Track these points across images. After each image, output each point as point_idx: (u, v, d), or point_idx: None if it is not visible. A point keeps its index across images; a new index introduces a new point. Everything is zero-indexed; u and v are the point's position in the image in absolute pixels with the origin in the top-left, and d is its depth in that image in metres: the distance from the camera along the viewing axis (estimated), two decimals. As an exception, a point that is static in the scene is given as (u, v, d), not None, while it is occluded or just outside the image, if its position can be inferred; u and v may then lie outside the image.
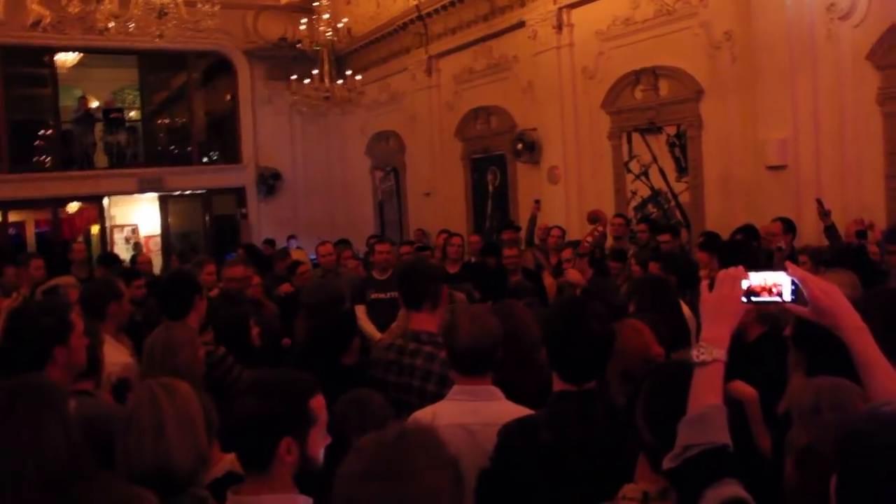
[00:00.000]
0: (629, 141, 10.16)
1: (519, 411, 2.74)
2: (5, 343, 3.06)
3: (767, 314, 3.65)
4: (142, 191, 16.33)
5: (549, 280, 7.64)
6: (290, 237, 14.99)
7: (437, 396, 3.11)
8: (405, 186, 15.36)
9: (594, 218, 8.47)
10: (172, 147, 18.21)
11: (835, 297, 1.88)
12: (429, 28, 13.59)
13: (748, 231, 7.29)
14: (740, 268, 1.97)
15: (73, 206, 17.12)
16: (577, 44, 10.78)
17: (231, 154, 17.08)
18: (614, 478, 2.09)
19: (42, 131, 16.55)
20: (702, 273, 5.44)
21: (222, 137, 17.71)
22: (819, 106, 7.80)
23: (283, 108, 15.88)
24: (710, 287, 1.96)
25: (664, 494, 1.94)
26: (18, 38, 13.88)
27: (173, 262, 13.44)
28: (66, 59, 16.50)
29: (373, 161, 16.42)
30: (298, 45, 13.12)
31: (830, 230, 6.82)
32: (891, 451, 1.32)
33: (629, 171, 10.20)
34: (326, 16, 12.33)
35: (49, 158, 16.44)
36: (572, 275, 6.58)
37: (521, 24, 11.50)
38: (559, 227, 9.20)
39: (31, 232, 17.53)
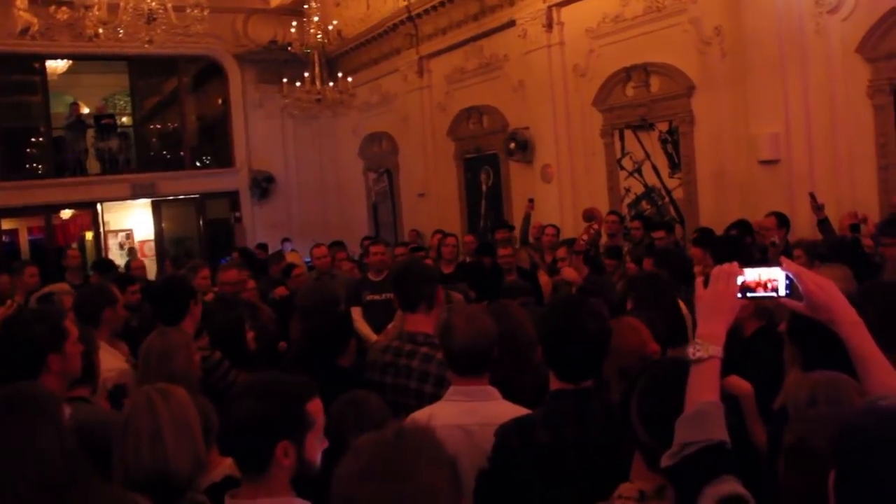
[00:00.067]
0: (621, 138, 10.17)
1: (516, 411, 2.74)
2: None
3: (764, 309, 3.66)
4: (135, 196, 16.30)
5: (544, 279, 7.63)
6: (285, 240, 14.98)
7: (435, 398, 3.10)
8: (399, 187, 15.36)
9: (589, 216, 8.48)
10: (165, 152, 18.20)
11: (830, 291, 1.88)
12: (419, 29, 13.59)
13: (742, 226, 7.30)
14: (735, 264, 1.97)
15: (66, 213, 17.08)
16: (567, 42, 10.79)
17: (224, 158, 17.06)
18: (612, 477, 2.09)
19: (33, 138, 16.52)
20: (696, 269, 5.44)
21: (214, 142, 17.70)
22: (810, 100, 7.82)
23: (274, 112, 15.86)
24: (705, 284, 1.96)
25: (660, 493, 1.94)
26: (7, 45, 13.86)
27: (167, 267, 13.41)
28: (56, 65, 16.46)
29: (366, 163, 16.42)
30: (289, 48, 13.11)
31: (824, 224, 6.83)
32: (889, 445, 1.32)
33: (622, 168, 10.22)
34: (316, 18, 12.34)
35: (41, 165, 16.41)
36: (568, 273, 6.58)
37: (512, 23, 11.50)
38: (553, 226, 9.21)
39: (24, 239, 17.48)
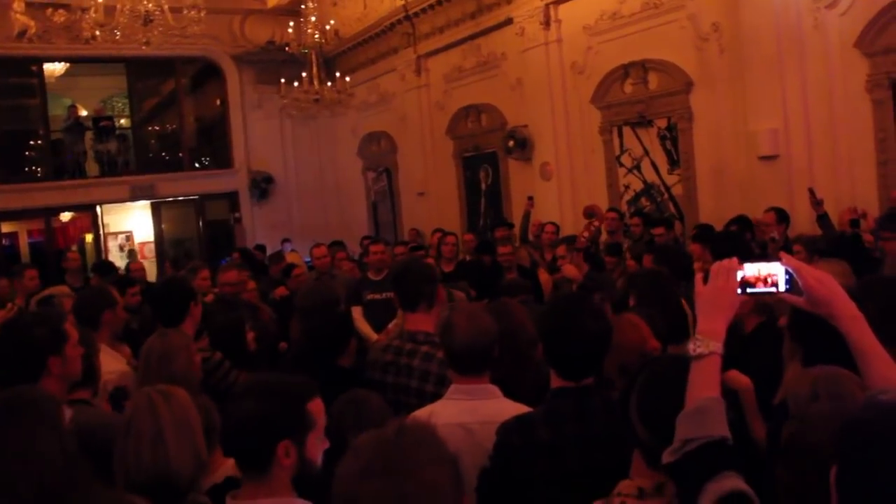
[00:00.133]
0: (620, 135, 10.17)
1: (517, 409, 2.74)
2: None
3: (764, 305, 3.66)
4: (134, 198, 16.29)
5: (544, 277, 7.63)
6: (285, 240, 14.98)
7: (436, 396, 3.10)
8: (398, 187, 15.36)
9: (590, 213, 8.47)
10: (163, 154, 18.18)
11: (830, 286, 1.88)
12: (416, 28, 13.59)
13: (742, 222, 7.30)
14: (734, 259, 1.96)
15: (66, 216, 17.08)
16: (565, 39, 10.78)
17: (222, 159, 17.05)
18: (613, 474, 2.09)
19: (32, 141, 16.52)
20: (696, 265, 5.44)
21: (213, 143, 17.68)
22: (809, 95, 7.82)
23: (273, 112, 15.85)
24: (705, 280, 1.96)
25: (660, 490, 1.94)
26: (5, 48, 13.86)
27: (167, 269, 13.42)
28: (54, 68, 16.46)
29: (365, 162, 16.41)
30: (286, 49, 13.10)
31: (823, 219, 6.82)
32: (890, 439, 1.31)
33: (621, 165, 10.21)
34: (313, 18, 12.31)
35: (40, 168, 16.40)
36: (569, 270, 6.58)
37: (509, 21, 11.50)
38: (553, 223, 9.21)
39: (24, 242, 17.48)
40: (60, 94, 17.34)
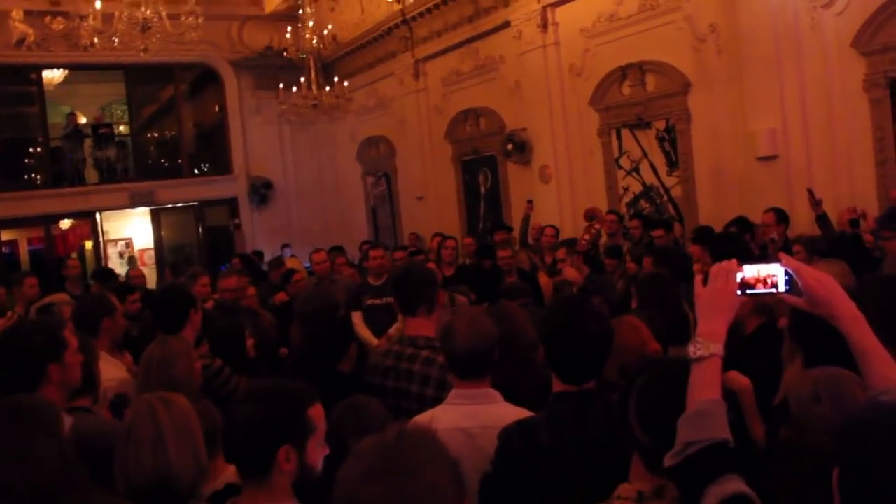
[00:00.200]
0: (619, 137, 10.17)
1: (518, 413, 2.73)
2: (-1, 362, 3.05)
3: (764, 306, 3.65)
4: (133, 205, 16.30)
5: (544, 280, 7.63)
6: (285, 246, 14.99)
7: (437, 401, 3.09)
8: (397, 191, 15.37)
9: (591, 216, 8.48)
10: (163, 160, 18.21)
11: (829, 286, 1.87)
12: (414, 32, 13.60)
13: (741, 223, 7.30)
14: (734, 261, 1.96)
15: (65, 223, 17.08)
16: (562, 42, 10.80)
17: (222, 165, 17.07)
18: (615, 478, 2.08)
19: (31, 149, 16.53)
20: (695, 267, 5.44)
21: (212, 149, 17.70)
22: (806, 95, 7.83)
23: (271, 118, 15.87)
24: (705, 282, 1.95)
25: (659, 493, 1.93)
26: (4, 56, 13.90)
27: (167, 276, 13.40)
28: (52, 76, 16.47)
29: (364, 167, 16.42)
30: (284, 54, 13.11)
31: (822, 219, 6.82)
32: (891, 440, 1.31)
33: (620, 167, 10.21)
34: (311, 23, 12.31)
35: (39, 176, 16.42)
36: (569, 273, 6.59)
37: (507, 25, 11.51)
38: (553, 227, 9.21)
39: (24, 250, 17.50)
40: (59, 102, 17.37)
